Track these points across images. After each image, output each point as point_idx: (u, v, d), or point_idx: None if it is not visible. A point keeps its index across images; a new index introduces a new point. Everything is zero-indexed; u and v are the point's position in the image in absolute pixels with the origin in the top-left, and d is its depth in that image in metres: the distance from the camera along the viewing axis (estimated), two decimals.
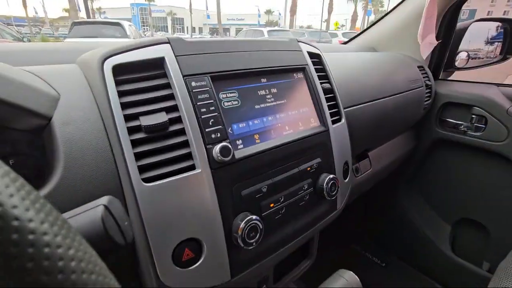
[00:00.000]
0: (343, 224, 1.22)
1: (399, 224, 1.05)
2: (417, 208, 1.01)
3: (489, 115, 0.78)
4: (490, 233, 0.87)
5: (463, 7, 0.85)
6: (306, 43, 0.48)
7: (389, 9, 0.93)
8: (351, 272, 0.40)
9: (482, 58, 1.09)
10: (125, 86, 0.30)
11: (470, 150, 0.85)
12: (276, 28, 12.76)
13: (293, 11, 31.43)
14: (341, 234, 1.21)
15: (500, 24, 0.96)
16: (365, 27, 1.00)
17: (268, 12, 41.49)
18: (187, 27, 50.27)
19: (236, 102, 0.36)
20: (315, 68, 0.46)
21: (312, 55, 0.47)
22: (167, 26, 50.18)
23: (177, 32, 47.25)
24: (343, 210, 0.50)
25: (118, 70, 0.29)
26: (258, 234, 0.33)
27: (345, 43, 1.01)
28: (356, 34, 1.01)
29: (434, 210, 0.99)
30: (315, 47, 0.49)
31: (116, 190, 0.28)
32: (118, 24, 6.27)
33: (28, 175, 0.29)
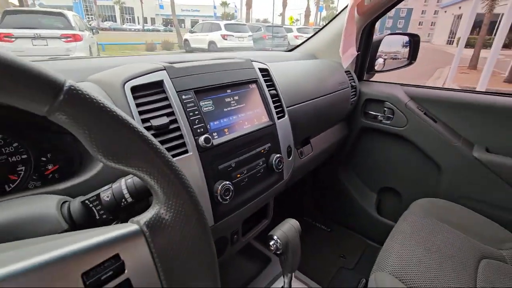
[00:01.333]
0: (296, 200, 1.46)
1: (338, 196, 1.31)
2: (351, 182, 1.28)
3: (395, 108, 1.05)
4: (402, 196, 1.16)
5: (402, 6, 1.11)
6: (257, 62, 0.66)
7: (339, 6, 1.15)
8: (295, 219, 0.60)
9: (400, 59, 1.38)
10: (140, 100, 0.45)
11: (385, 135, 1.12)
12: (232, 21, 12.76)
13: (249, 5, 31.51)
14: (295, 208, 1.45)
15: (406, 37, 1.25)
16: (318, 22, 1.21)
17: (224, 4, 41.00)
18: (137, 17, 47.34)
19: (211, 107, 0.53)
20: (264, 79, 0.65)
21: (262, 69, 0.66)
22: (115, 16, 46.68)
23: (127, 22, 44.24)
24: (296, 189, 0.70)
25: (134, 89, 0.44)
26: (230, 193, 0.51)
27: (290, 50, 1.22)
28: (308, 28, 1.23)
29: (364, 183, 1.27)
30: (264, 63, 0.68)
31: None
32: (60, 14, 5.80)
33: (62, 165, 0.43)
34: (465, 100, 0.94)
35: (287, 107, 0.70)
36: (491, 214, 0.84)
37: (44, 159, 0.44)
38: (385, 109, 1.08)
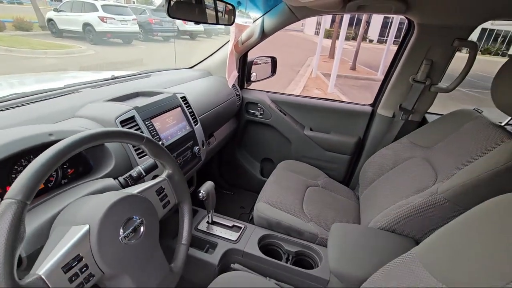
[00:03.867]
0: (210, 175, 1.96)
1: (236, 168, 1.88)
2: (243, 157, 1.87)
3: (263, 107, 1.66)
4: (274, 162, 1.82)
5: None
6: (178, 93, 1.09)
7: None
8: (211, 181, 1.08)
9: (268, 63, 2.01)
10: (125, 127, 0.83)
11: (260, 124, 1.73)
12: (112, 3, 11.41)
13: None
14: (209, 179, 1.95)
15: (269, 58, 1.88)
16: None
17: None
18: None
19: (160, 125, 0.94)
20: (184, 103, 1.09)
21: (182, 98, 1.09)
22: None
23: None
24: (211, 166, 1.16)
25: (121, 122, 0.82)
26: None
27: (191, 67, 1.66)
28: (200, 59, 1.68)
29: (251, 156, 1.88)
30: (182, 93, 1.11)
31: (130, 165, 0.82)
32: None
33: (76, 168, 0.78)
34: (300, 101, 1.62)
35: (198, 117, 1.17)
36: (313, 164, 1.57)
37: (65, 166, 0.77)
38: (258, 108, 1.68)
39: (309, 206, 1.24)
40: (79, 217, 0.50)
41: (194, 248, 1.02)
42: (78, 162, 0.79)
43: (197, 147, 1.09)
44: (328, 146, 1.61)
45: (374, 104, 1.51)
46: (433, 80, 1.26)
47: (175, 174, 0.69)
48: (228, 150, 1.85)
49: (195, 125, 1.12)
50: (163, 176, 0.68)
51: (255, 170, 1.87)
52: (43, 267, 0.41)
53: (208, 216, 1.12)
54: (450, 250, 0.53)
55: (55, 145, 0.45)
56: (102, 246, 0.48)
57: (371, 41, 23.83)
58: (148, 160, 0.78)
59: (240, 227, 1.12)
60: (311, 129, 1.64)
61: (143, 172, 0.73)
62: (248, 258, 1.01)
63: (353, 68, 10.07)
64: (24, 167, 0.50)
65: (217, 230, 1.10)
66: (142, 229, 0.55)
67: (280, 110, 1.65)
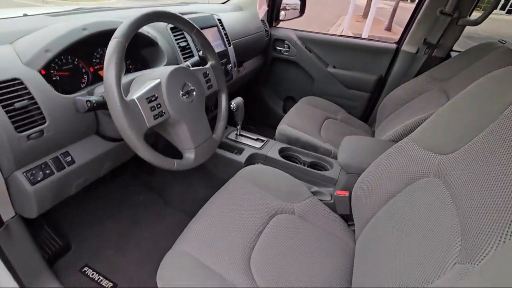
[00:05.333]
0: None
1: (260, 104, 2.03)
2: (268, 94, 2.00)
3: (289, 44, 1.74)
4: (296, 100, 1.94)
5: None
6: (215, 14, 1.21)
7: None
8: (240, 97, 1.24)
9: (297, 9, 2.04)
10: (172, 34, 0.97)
11: (286, 62, 1.83)
12: None
13: None
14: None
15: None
16: None
17: None
18: None
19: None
20: (220, 25, 1.21)
21: (218, 19, 1.21)
22: None
23: None
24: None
25: (171, 28, 0.97)
26: None
27: (223, 3, 1.74)
28: None
29: (275, 95, 2.01)
30: (218, 15, 1.23)
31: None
32: None
33: (139, 63, 0.95)
34: (325, 39, 1.69)
35: (232, 41, 1.29)
36: (334, 101, 1.67)
37: (127, 62, 0.94)
38: (285, 45, 1.76)
39: (326, 132, 1.38)
40: (152, 76, 0.67)
41: (224, 150, 1.21)
42: (137, 60, 0.96)
43: (230, 65, 1.23)
44: (350, 83, 1.69)
45: (400, 42, 1.54)
46: (462, 13, 1.27)
47: (217, 66, 0.84)
48: (254, 87, 1.98)
49: (229, 46, 1.25)
50: (208, 65, 0.83)
51: (278, 107, 2.01)
52: (135, 96, 0.60)
53: (237, 129, 1.29)
54: (444, 127, 0.64)
55: (136, 14, 0.61)
56: (169, 94, 0.65)
57: (412, 0, 21.66)
58: (193, 59, 0.93)
59: (264, 140, 1.29)
60: (334, 67, 1.72)
61: (190, 67, 0.88)
62: (269, 162, 1.19)
63: (389, 29, 9.41)
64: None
65: (244, 140, 1.28)
66: (194, 94, 0.72)
67: (305, 47, 1.72)
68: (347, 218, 0.95)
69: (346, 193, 0.93)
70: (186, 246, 0.71)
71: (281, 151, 1.23)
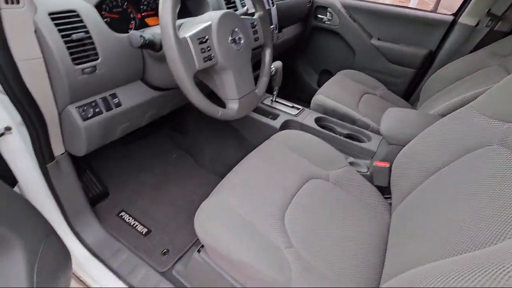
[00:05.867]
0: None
1: (294, 77, 1.97)
2: (303, 66, 1.93)
3: (332, 12, 1.64)
4: (332, 74, 1.86)
5: None
6: None
7: None
8: (279, 61, 1.19)
9: None
10: None
11: (326, 31, 1.73)
12: None
13: None
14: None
15: None
16: None
17: None
18: None
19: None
20: None
21: None
22: None
23: None
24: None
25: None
26: None
27: None
28: None
29: (311, 67, 1.93)
30: None
31: None
32: None
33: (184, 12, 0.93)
34: (373, 8, 1.57)
35: (275, 1, 1.23)
36: (375, 76, 1.58)
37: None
38: (328, 13, 1.66)
39: (364, 106, 1.31)
40: (202, 19, 0.66)
41: (259, 114, 1.19)
42: (182, 10, 0.95)
43: (272, 26, 1.19)
44: (394, 57, 1.58)
45: (457, 13, 1.40)
46: None
47: (264, 17, 0.81)
48: (289, 57, 1.92)
49: (272, 6, 1.19)
50: (256, 16, 0.80)
51: (312, 81, 1.94)
52: (187, 34, 0.59)
53: (273, 94, 1.26)
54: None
55: None
56: (219, 38, 0.63)
57: None
58: (240, 10, 0.89)
59: (299, 108, 1.25)
60: (378, 39, 1.60)
61: None
62: (304, 129, 1.16)
63: (434, 11, 8.65)
64: None
65: (279, 106, 1.25)
66: (242, 42, 0.70)
67: (350, 16, 1.62)
68: (383, 191, 0.91)
69: (387, 164, 0.89)
70: (223, 196, 0.72)
71: (317, 121, 1.19)
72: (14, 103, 0.58)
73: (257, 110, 1.22)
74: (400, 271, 0.51)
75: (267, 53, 0.85)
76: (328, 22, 1.68)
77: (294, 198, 0.77)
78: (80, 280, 0.99)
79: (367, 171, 1.01)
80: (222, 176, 0.79)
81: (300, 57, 1.92)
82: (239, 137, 1.26)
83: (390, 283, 0.51)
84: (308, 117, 1.19)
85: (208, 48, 0.62)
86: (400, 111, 1.00)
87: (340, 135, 1.17)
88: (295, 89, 2.01)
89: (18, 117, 0.65)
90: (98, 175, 1.14)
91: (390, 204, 0.87)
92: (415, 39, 1.52)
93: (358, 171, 0.95)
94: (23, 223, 0.57)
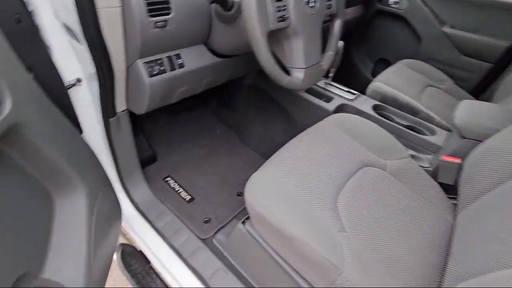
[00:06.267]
0: None
1: (346, 63, 1.85)
2: (358, 53, 1.81)
3: None
4: (390, 63, 1.72)
5: None
6: None
7: None
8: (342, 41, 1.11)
9: None
10: None
11: (390, 16, 1.59)
12: None
13: None
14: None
15: None
16: None
17: None
18: None
19: None
20: None
21: None
22: None
23: None
24: None
25: None
26: None
27: None
28: None
29: (367, 55, 1.81)
30: None
31: None
32: None
33: None
34: None
35: None
36: (441, 69, 1.42)
37: None
38: None
39: (428, 99, 1.19)
40: None
41: (311, 95, 1.14)
42: None
43: None
44: (468, 48, 1.41)
45: None
46: None
47: None
48: (345, 42, 1.80)
49: None
50: None
51: (367, 70, 1.82)
52: None
53: (329, 76, 1.19)
54: None
55: None
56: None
57: None
58: None
59: (355, 93, 1.17)
60: (452, 26, 1.44)
61: None
62: (360, 116, 1.08)
63: None
64: None
65: (334, 89, 1.18)
66: (317, 5, 0.65)
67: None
68: (447, 189, 0.82)
69: (458, 160, 0.79)
70: (275, 170, 0.69)
71: (375, 108, 1.10)
72: (92, 51, 0.60)
73: (310, 90, 1.16)
74: (472, 275, 0.48)
75: (337, 24, 0.79)
76: (395, 6, 1.54)
77: (347, 183, 0.72)
78: (126, 237, 1.04)
79: (429, 167, 0.91)
80: (266, 156, 0.76)
81: (356, 42, 1.80)
82: (288, 118, 1.22)
83: (468, 283, 0.46)
84: (365, 104, 1.11)
85: (284, 7, 0.58)
86: (479, 103, 0.88)
87: (400, 126, 1.08)
88: (346, 76, 1.89)
89: (89, 70, 0.67)
90: (149, 140, 1.18)
91: (454, 204, 0.78)
92: (496, 29, 1.33)
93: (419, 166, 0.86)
94: (87, 169, 0.59)
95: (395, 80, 1.24)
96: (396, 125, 1.02)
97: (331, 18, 0.78)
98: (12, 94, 0.40)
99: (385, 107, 1.13)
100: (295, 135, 0.83)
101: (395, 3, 1.54)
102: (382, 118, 1.04)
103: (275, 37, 0.63)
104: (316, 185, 0.67)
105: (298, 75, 0.66)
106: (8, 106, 0.40)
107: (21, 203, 0.48)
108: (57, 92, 0.67)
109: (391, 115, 1.12)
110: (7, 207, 0.45)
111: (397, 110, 1.12)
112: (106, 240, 0.65)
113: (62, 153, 0.51)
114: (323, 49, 0.80)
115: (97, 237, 0.60)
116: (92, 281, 0.57)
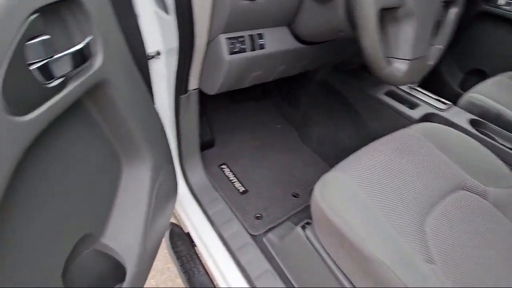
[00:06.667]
0: None
1: (435, 72, 1.61)
2: (447, 61, 1.57)
3: None
4: (487, 75, 1.45)
5: None
6: None
7: None
8: None
9: None
10: None
11: (496, 19, 1.34)
12: None
13: None
14: None
15: None
16: None
17: None
18: None
19: None
20: None
21: None
22: None
23: None
24: None
25: None
26: None
27: None
28: None
29: (456, 64, 1.56)
30: None
31: None
32: None
33: None
34: None
35: None
36: None
37: None
38: None
39: None
40: None
41: (391, 98, 1.00)
42: None
43: None
44: None
45: None
46: None
47: None
48: None
49: None
50: None
51: (454, 81, 1.57)
52: None
53: None
54: None
55: None
56: None
57: None
58: None
59: (447, 103, 1.00)
60: None
61: None
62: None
63: None
64: None
65: (420, 95, 1.03)
66: None
67: None
68: None
69: None
70: (349, 177, 0.59)
71: (473, 124, 0.92)
72: (178, 20, 0.57)
73: (391, 93, 1.03)
74: None
75: (452, 13, 0.65)
76: (507, 7, 1.29)
77: (436, 205, 0.59)
78: (175, 217, 1.04)
79: None
80: (328, 160, 0.66)
81: (448, 49, 1.56)
82: (357, 122, 1.10)
83: None
84: (459, 116, 0.94)
85: None
86: None
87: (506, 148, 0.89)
88: (428, 86, 1.67)
89: (170, 44, 0.65)
90: (210, 125, 1.17)
91: None
92: None
93: None
94: (157, 143, 0.58)
95: (499, 93, 1.03)
96: (501, 146, 0.83)
97: (446, 5, 0.65)
98: (105, 49, 0.38)
99: (486, 124, 0.94)
100: (363, 141, 0.72)
101: (508, 4, 1.29)
102: (483, 136, 0.86)
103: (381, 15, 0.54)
104: (399, 202, 0.56)
105: (400, 66, 0.55)
106: (99, 60, 0.38)
107: (93, 163, 0.47)
108: (140, 60, 0.67)
109: (492, 134, 0.92)
110: (82, 165, 0.44)
111: (501, 130, 0.92)
112: (161, 217, 0.63)
113: (137, 121, 0.50)
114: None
115: (155, 212, 0.59)
116: (145, 255, 0.56)
